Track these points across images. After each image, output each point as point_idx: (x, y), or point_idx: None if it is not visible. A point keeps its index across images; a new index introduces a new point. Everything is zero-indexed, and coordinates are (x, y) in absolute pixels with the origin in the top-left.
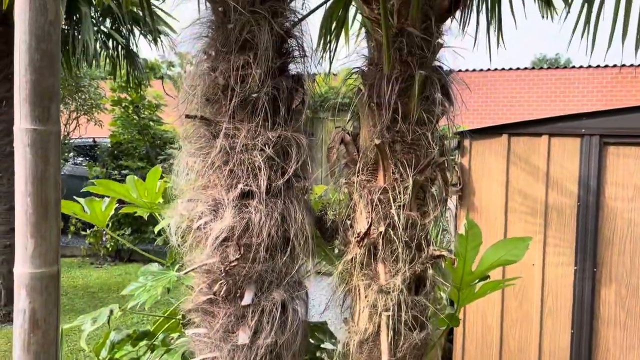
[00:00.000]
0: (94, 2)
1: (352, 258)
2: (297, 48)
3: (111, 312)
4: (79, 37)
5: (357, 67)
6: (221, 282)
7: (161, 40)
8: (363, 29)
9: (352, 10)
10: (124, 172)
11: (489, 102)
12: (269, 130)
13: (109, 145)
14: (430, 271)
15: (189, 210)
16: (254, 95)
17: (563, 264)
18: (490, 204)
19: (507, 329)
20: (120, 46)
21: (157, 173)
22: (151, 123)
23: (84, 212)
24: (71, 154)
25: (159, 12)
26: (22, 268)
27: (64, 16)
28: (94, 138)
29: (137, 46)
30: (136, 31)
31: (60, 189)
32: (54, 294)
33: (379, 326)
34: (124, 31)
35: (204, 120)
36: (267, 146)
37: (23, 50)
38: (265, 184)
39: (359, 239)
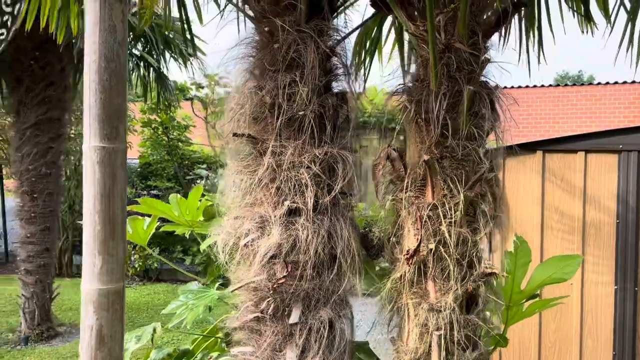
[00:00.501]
0: (131, 27)
1: (400, 276)
2: (340, 65)
3: (154, 330)
4: None
5: (402, 84)
6: (268, 299)
7: (191, 63)
8: (400, 46)
9: (383, 29)
10: (152, 192)
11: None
12: (315, 148)
13: (138, 166)
14: (482, 289)
15: (235, 228)
16: (301, 113)
17: (603, 283)
18: (525, 222)
19: (546, 349)
20: (152, 68)
21: (199, 191)
22: (180, 144)
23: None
24: None
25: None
26: (90, 285)
27: None
28: None
29: (167, 69)
30: (167, 54)
31: (124, 207)
32: (120, 310)
33: (430, 346)
34: (154, 54)
35: (250, 138)
36: (313, 163)
37: (93, 70)
38: (312, 201)
39: (408, 256)
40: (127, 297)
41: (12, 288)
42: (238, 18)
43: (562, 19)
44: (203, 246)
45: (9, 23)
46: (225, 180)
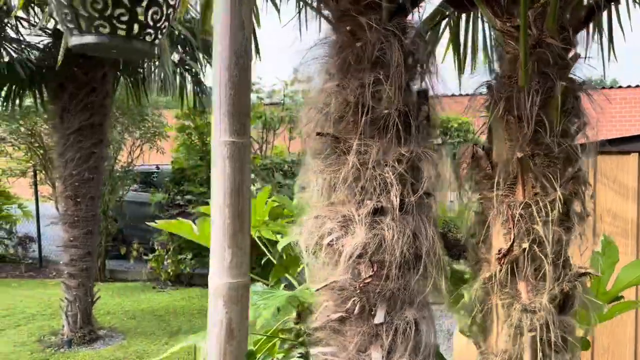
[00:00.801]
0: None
1: (490, 276)
2: (420, 63)
3: None
4: (151, 66)
5: (486, 81)
6: (354, 299)
7: None
8: (456, 47)
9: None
10: (186, 197)
11: None
12: (400, 146)
13: (170, 171)
14: (579, 289)
15: (316, 227)
16: (386, 111)
17: None
18: None
19: (599, 355)
20: (189, 74)
21: (266, 192)
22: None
23: (193, 232)
24: (129, 180)
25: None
26: (220, 279)
27: None
28: (157, 165)
29: (204, 75)
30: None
31: (250, 201)
32: (246, 304)
33: (522, 348)
34: (192, 59)
35: (333, 137)
36: (398, 162)
37: (224, 67)
38: (398, 201)
39: (500, 256)
40: (162, 301)
41: (49, 292)
42: (298, 18)
43: (629, 16)
44: (280, 245)
45: (170, 16)
46: (301, 179)
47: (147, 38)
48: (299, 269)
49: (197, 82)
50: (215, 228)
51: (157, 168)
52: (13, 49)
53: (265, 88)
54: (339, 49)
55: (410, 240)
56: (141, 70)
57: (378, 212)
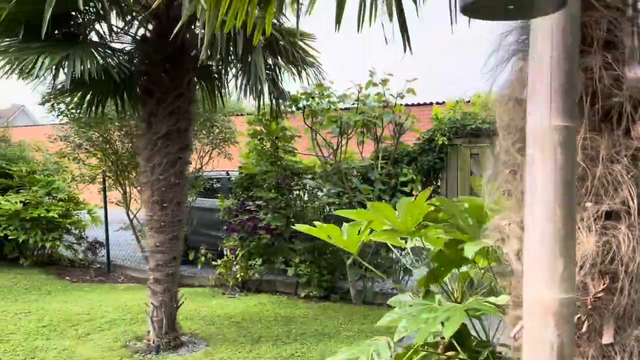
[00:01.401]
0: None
1: None
2: None
3: (389, 345)
4: (224, 71)
5: None
6: (579, 316)
7: (307, 73)
8: None
9: None
10: (257, 202)
11: None
12: (634, 140)
13: (238, 177)
14: None
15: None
16: (616, 100)
17: None
18: None
19: None
20: (267, 79)
21: (426, 194)
22: (284, 154)
23: (342, 237)
24: (198, 186)
25: (304, 46)
26: (550, 292)
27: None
28: (227, 171)
29: (282, 79)
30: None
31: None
32: (574, 325)
33: None
34: (271, 64)
35: None
36: (633, 159)
37: (556, 34)
38: (635, 204)
39: None
40: (236, 307)
41: (121, 296)
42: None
43: None
44: (469, 252)
45: None
46: (499, 179)
47: None
48: (446, 278)
49: (278, 89)
50: (541, 230)
51: (227, 174)
52: (106, 53)
53: (337, 92)
54: None
55: None
56: (216, 76)
57: (610, 216)
